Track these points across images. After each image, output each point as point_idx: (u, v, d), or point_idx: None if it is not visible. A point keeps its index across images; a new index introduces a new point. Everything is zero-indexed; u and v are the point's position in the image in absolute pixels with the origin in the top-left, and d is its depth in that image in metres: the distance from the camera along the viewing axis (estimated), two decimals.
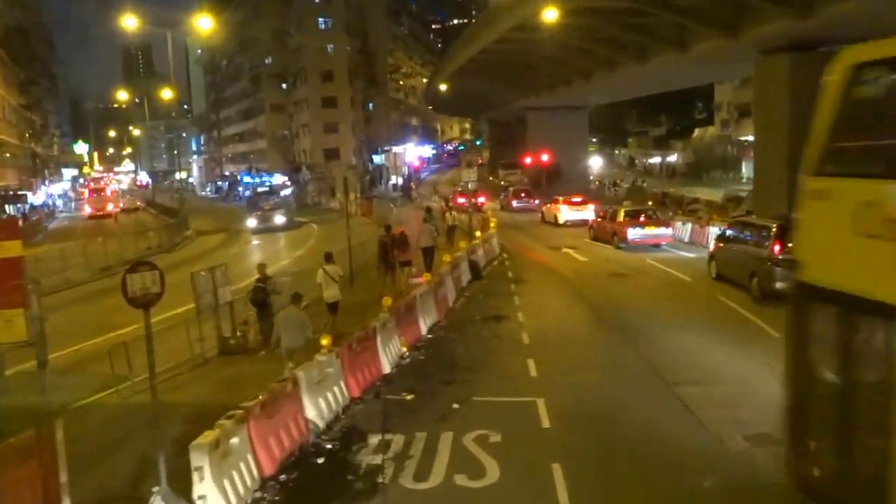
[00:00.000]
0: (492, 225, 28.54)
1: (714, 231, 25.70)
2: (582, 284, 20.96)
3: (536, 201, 43.87)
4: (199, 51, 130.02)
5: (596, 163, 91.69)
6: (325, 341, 11.00)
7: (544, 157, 54.35)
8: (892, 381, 5.65)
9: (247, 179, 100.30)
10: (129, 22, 41.89)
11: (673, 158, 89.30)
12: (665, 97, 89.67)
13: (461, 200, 44.98)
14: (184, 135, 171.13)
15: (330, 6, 78.82)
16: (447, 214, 32.07)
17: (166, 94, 72.56)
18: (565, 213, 36.52)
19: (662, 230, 27.99)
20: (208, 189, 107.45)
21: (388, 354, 13.04)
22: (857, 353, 6.21)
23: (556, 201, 37.84)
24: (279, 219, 43.24)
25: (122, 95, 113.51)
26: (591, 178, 65.87)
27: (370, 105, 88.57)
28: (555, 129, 56.11)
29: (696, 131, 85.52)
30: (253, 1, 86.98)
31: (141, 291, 7.59)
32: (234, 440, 8.33)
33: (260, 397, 9.03)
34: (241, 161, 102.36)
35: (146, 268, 7.69)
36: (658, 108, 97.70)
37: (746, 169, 67.12)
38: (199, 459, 7.63)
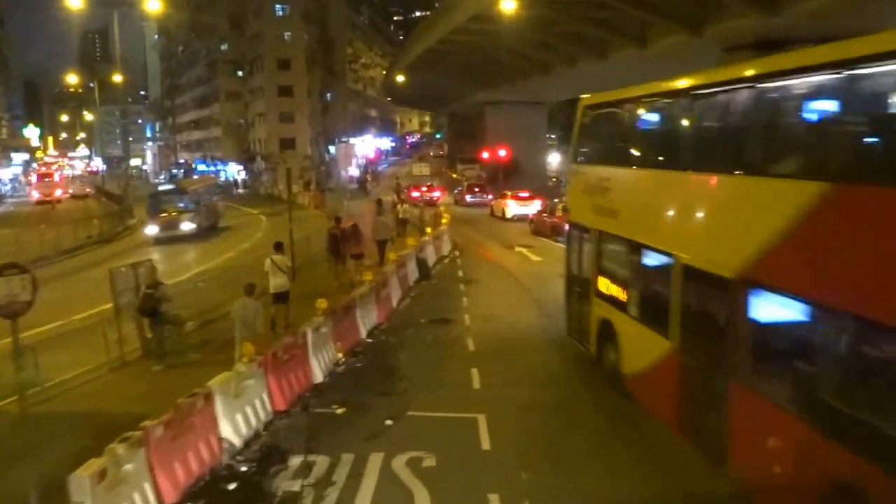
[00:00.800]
0: (443, 221, 27.52)
1: None
2: (533, 285, 20.04)
3: (490, 196, 43.22)
4: (156, 36, 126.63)
5: (555, 159, 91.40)
6: (245, 350, 9.87)
7: (502, 153, 53.52)
8: (591, 267, 11.90)
9: (201, 167, 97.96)
10: (75, 1, 39.92)
11: None
12: None
13: (415, 194, 44.10)
14: (139, 121, 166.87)
15: None
16: (398, 207, 31.21)
17: (117, 78, 69.75)
18: (512, 207, 36.81)
19: None
20: (163, 177, 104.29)
21: (321, 361, 11.96)
22: (583, 254, 12.46)
23: (505, 196, 37.73)
24: (186, 225, 33.69)
25: (73, 79, 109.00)
26: (550, 174, 65.34)
27: (328, 95, 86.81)
28: (513, 124, 55.32)
29: None
30: None
31: (7, 299, 6.36)
32: (128, 466, 7.22)
33: (164, 417, 7.92)
34: (196, 149, 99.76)
35: (15, 271, 6.46)
36: None
37: None
38: (81, 494, 6.53)
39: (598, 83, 44.14)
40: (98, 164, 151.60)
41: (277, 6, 77.36)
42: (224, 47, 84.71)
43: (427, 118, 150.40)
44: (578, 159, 13.09)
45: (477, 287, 19.97)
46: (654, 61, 30.77)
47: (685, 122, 9.48)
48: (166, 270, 22.88)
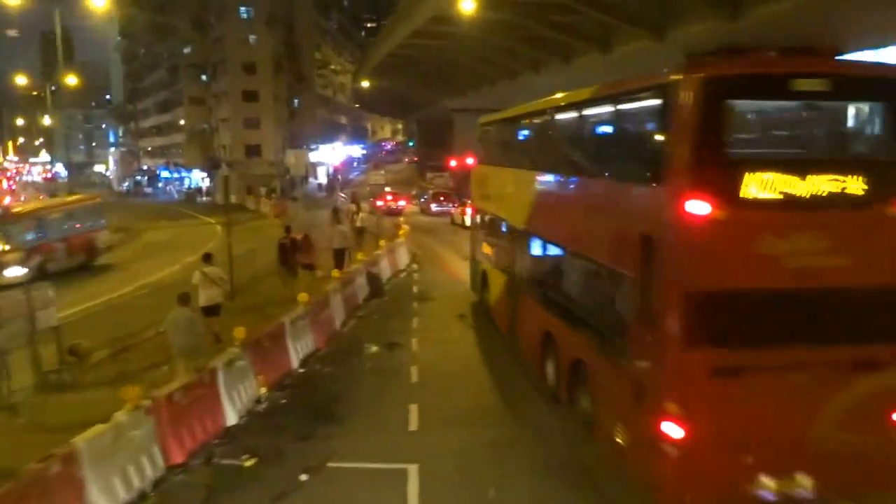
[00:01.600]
0: (401, 233, 26.04)
1: None
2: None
3: (455, 205, 41.88)
4: (119, 38, 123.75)
5: None
6: (130, 394, 8.33)
7: (469, 161, 52.24)
8: (478, 237, 17.67)
9: (164, 174, 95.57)
10: None
11: None
12: None
13: (380, 203, 42.66)
14: (104, 126, 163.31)
15: None
16: (355, 216, 29.72)
17: (71, 80, 67.48)
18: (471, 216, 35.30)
19: None
20: (126, 184, 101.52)
21: (237, 400, 10.45)
22: (476, 230, 18.07)
23: (465, 204, 36.31)
24: (12, 272, 22.13)
25: (22, 80, 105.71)
26: None
27: (295, 101, 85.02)
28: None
29: None
30: None
31: None
32: None
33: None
34: (159, 155, 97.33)
35: None
36: None
37: None
38: None
39: (561, 88, 43.30)
40: (59, 169, 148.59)
41: (242, 9, 75.52)
42: (187, 50, 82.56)
43: (400, 126, 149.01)
44: (479, 161, 18.34)
45: (431, 305, 18.56)
46: (618, 67, 29.79)
47: (513, 135, 14.92)
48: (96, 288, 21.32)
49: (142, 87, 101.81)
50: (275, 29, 77.08)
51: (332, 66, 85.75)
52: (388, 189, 45.50)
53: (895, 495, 7.32)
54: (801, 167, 6.88)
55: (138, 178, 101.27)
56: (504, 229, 14.41)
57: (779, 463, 7.04)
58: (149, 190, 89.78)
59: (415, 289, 20.73)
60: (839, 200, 6.86)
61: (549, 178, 11.70)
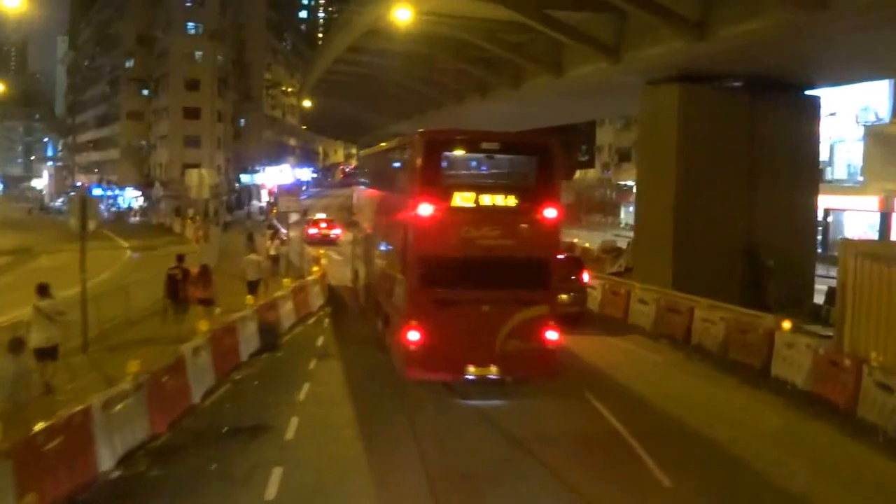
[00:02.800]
0: (314, 269, 22.35)
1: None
2: None
3: None
4: (66, 49, 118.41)
5: None
6: None
7: None
8: (354, 242, 23.53)
9: (96, 192, 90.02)
10: None
11: None
12: (552, 136, 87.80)
13: (312, 231, 38.95)
14: (45, 139, 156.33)
15: (202, 10, 71.20)
16: (269, 243, 26.27)
17: None
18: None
19: None
20: (60, 200, 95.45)
21: None
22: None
23: None
24: None
25: None
26: None
27: (241, 120, 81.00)
28: None
29: (578, 173, 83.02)
30: None
31: None
32: None
33: None
34: (95, 171, 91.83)
35: None
36: None
37: (625, 214, 64.47)
38: None
39: (512, 115, 40.43)
40: None
41: (190, 23, 71.64)
42: (129, 64, 78.09)
43: (354, 150, 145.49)
44: (363, 185, 22.29)
45: (333, 366, 14.95)
46: (572, 94, 26.97)
47: (368, 166, 21.67)
48: None
49: (82, 100, 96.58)
50: (223, 45, 73.31)
51: (283, 87, 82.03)
52: (321, 216, 41.66)
53: (550, 379, 12.58)
54: (484, 189, 12.25)
55: (72, 193, 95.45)
56: (365, 237, 19.56)
57: (478, 358, 12.01)
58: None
59: (320, 340, 17.08)
60: (503, 208, 12.16)
61: (378, 193, 17.62)
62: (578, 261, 20.91)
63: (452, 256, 11.92)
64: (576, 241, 37.65)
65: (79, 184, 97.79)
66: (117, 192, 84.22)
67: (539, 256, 12.19)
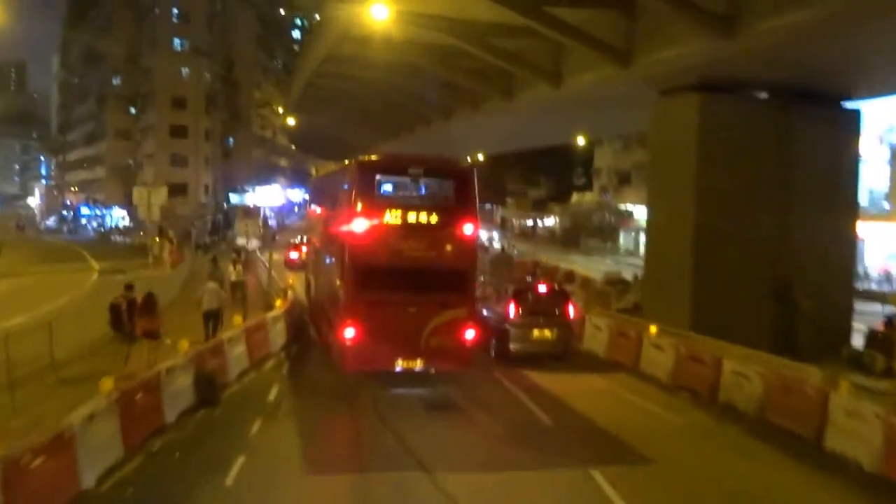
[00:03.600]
0: (277, 303, 19.22)
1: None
2: (391, 413, 12.54)
3: None
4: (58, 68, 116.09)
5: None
6: None
7: None
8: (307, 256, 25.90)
9: (84, 211, 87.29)
10: None
11: (550, 222, 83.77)
12: (547, 158, 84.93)
13: (293, 256, 35.95)
14: (41, 158, 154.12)
15: (188, 27, 68.73)
16: (231, 268, 23.34)
17: None
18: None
19: None
20: (52, 219, 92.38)
21: None
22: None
23: None
24: None
25: None
26: None
27: (230, 139, 78.31)
28: None
29: (575, 196, 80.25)
30: (106, 12, 75.68)
31: None
32: None
33: None
34: (83, 189, 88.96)
35: None
36: (539, 169, 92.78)
37: (625, 240, 61.62)
38: None
39: (505, 133, 37.50)
40: None
41: (176, 40, 69.17)
42: (117, 81, 75.50)
43: None
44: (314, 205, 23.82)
45: (282, 427, 11.89)
46: (572, 105, 24.19)
47: (317, 187, 23.49)
48: None
49: (72, 119, 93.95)
50: (211, 63, 70.83)
51: (274, 106, 79.40)
52: (300, 240, 38.55)
53: (467, 371, 14.29)
54: (410, 207, 13.62)
55: (64, 213, 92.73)
56: (314, 251, 20.59)
57: (406, 353, 13.53)
58: (72, 227, 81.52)
59: (273, 392, 13.97)
60: (427, 224, 13.56)
61: (325, 212, 18.71)
62: (563, 293, 18.17)
63: (383, 265, 13.45)
64: (575, 269, 34.68)
65: (69, 202, 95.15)
66: (104, 211, 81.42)
67: (458, 266, 13.72)
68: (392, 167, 14.51)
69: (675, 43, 16.44)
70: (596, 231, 67.44)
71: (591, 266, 44.86)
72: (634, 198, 56.63)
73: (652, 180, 20.35)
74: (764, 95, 18.09)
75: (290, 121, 51.07)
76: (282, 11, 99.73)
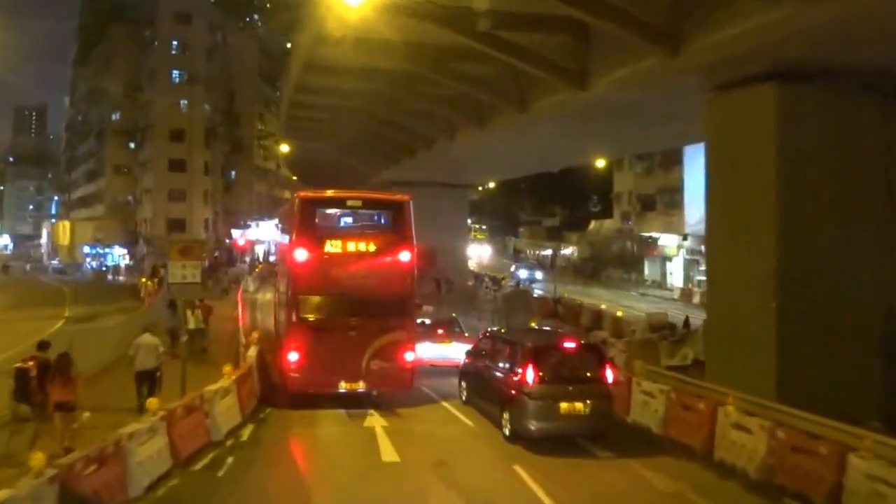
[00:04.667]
0: (225, 370, 14.42)
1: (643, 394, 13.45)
2: None
3: None
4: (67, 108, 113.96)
5: (485, 252, 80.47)
6: None
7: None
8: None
9: (86, 249, 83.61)
10: None
11: (567, 252, 79.19)
12: (561, 186, 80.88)
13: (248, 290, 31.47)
14: (56, 197, 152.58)
15: (186, 58, 65.56)
16: (189, 313, 19.17)
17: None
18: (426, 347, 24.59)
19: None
20: (56, 261, 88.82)
21: None
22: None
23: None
24: None
25: None
26: (472, 270, 53.93)
27: (232, 173, 74.68)
28: (426, 210, 43.92)
29: (592, 223, 75.73)
30: (106, 48, 72.95)
31: None
32: None
33: None
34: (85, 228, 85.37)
35: None
36: (553, 198, 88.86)
37: (650, 269, 56.83)
38: None
39: (513, 156, 32.59)
40: (7, 241, 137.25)
41: (175, 72, 66.00)
42: (116, 116, 72.38)
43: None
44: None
45: None
46: (596, 114, 19.81)
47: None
48: None
49: (76, 157, 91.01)
50: (210, 94, 67.53)
51: (276, 138, 75.91)
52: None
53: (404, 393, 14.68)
54: (350, 237, 14.62)
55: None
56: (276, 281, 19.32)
57: (348, 375, 14.21)
58: (77, 266, 77.98)
59: None
60: (365, 252, 14.46)
61: (280, 244, 21.48)
62: (597, 350, 13.71)
63: (324, 292, 14.53)
64: (603, 307, 29.91)
65: None
66: (107, 249, 77.80)
67: (396, 291, 14.50)
68: (332, 201, 15.69)
69: (742, 16, 12.06)
70: (617, 260, 62.70)
71: (617, 301, 40.16)
72: (659, 225, 52.01)
73: (713, 200, 15.39)
74: (861, 84, 13.56)
75: (284, 147, 47.13)
76: (288, 45, 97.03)
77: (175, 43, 64.63)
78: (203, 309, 21.23)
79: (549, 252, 78.65)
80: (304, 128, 37.84)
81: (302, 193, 15.69)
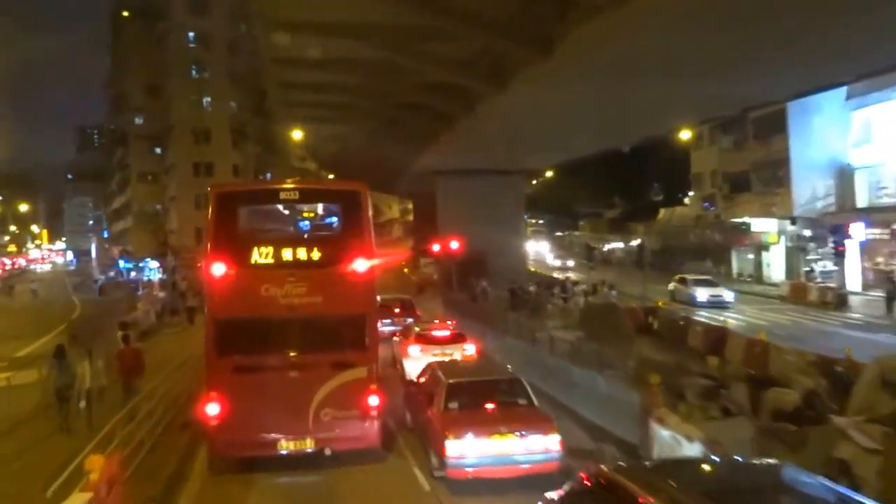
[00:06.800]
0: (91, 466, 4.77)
1: None
2: None
3: (412, 321, 22.58)
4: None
5: (543, 248, 71.52)
6: None
7: (454, 245, 33.17)
8: None
9: (121, 264, 77.99)
10: None
11: (632, 244, 69.57)
12: (621, 174, 71.89)
13: None
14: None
15: (207, 52, 58.63)
16: (86, 364, 13.45)
17: None
18: (415, 360, 16.28)
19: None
20: (101, 276, 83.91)
21: None
22: None
23: (408, 335, 17.35)
24: None
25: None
26: (531, 271, 45.07)
27: (268, 175, 67.65)
28: (473, 201, 35.52)
29: (662, 212, 65.97)
30: (123, 47, 67.01)
31: None
32: None
33: None
34: (118, 241, 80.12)
35: None
36: (613, 188, 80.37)
37: (739, 262, 47.00)
38: None
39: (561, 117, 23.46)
40: (69, 257, 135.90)
41: (194, 68, 59.22)
42: (139, 120, 66.23)
43: (411, 205, 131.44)
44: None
45: None
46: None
47: None
48: None
49: (112, 167, 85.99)
50: (240, 91, 60.62)
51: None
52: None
53: (367, 449, 10.53)
54: (285, 243, 10.82)
55: (120, 265, 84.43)
56: None
57: (291, 431, 10.28)
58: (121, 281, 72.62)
59: None
60: (308, 262, 10.61)
61: None
62: None
63: (252, 318, 10.46)
64: (731, 323, 20.65)
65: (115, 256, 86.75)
66: (141, 263, 71.91)
67: (352, 313, 10.74)
68: (260, 194, 12.40)
69: None
70: (694, 252, 52.82)
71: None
72: (755, 208, 42.13)
73: None
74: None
75: (297, 133, 39.47)
76: None
77: (192, 35, 57.64)
78: (122, 357, 13.54)
79: (614, 245, 69.11)
80: (316, 116, 30.40)
81: (217, 186, 12.76)
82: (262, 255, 10.58)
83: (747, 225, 43.45)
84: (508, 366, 13.25)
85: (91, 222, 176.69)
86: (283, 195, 11.37)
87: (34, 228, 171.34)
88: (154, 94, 62.93)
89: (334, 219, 11.78)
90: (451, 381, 10.58)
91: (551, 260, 67.03)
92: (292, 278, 10.49)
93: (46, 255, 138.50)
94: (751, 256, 45.25)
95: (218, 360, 10.40)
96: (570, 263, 49.53)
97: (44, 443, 11.83)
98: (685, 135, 36.53)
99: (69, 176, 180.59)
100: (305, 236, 11.60)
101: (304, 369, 10.46)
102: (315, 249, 10.78)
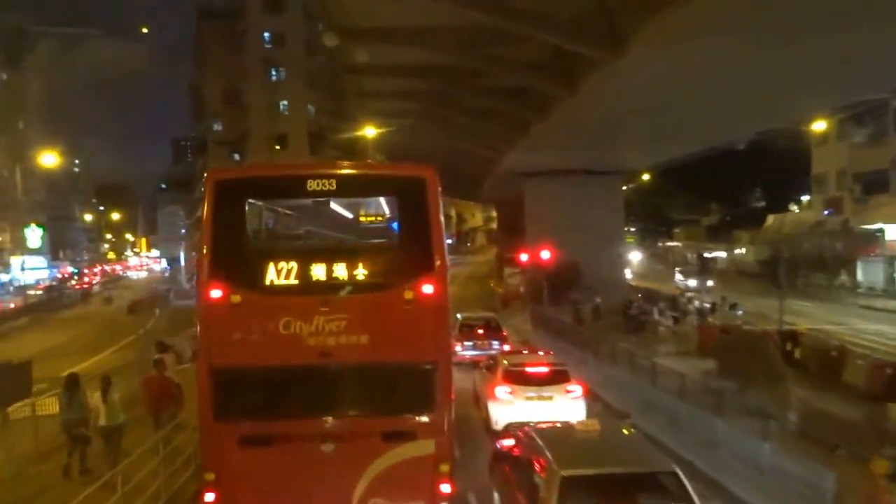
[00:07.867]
0: None
1: None
2: None
3: (505, 346, 18.80)
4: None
5: (635, 258, 66.22)
6: None
7: (545, 254, 29.11)
8: None
9: None
10: None
11: (736, 253, 63.50)
12: (715, 182, 66.81)
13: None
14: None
15: (283, 51, 57.18)
16: (99, 398, 10.61)
17: None
18: (504, 405, 12.46)
19: None
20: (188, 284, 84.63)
21: None
22: None
23: (494, 370, 13.29)
24: None
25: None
26: (632, 284, 40.23)
27: None
28: (565, 204, 31.45)
29: (771, 218, 59.71)
30: (200, 53, 66.65)
31: None
32: None
33: None
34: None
35: None
36: (710, 194, 74.89)
37: (865, 273, 40.71)
38: None
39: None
40: (164, 264, 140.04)
41: (273, 71, 57.86)
42: (218, 127, 65.61)
43: (494, 213, 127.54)
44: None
45: None
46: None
47: None
48: None
49: (196, 173, 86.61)
50: (317, 93, 58.94)
51: None
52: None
53: None
54: (316, 256, 7.32)
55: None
56: None
57: None
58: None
59: None
60: (350, 283, 7.10)
61: None
62: None
63: (267, 368, 7.09)
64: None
65: None
66: None
67: (415, 360, 7.14)
68: (276, 186, 7.83)
69: None
70: (813, 262, 46.57)
71: (837, 320, 26.17)
72: (893, 212, 36.20)
73: None
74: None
75: (370, 131, 36.44)
76: None
77: (267, 35, 56.25)
78: (147, 386, 11.59)
79: (715, 255, 63.07)
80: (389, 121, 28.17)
81: (217, 171, 9.53)
82: (281, 275, 7.12)
83: (882, 231, 37.39)
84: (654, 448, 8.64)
85: (183, 231, 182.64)
86: (312, 185, 7.38)
87: (128, 237, 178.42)
88: (231, 100, 62.12)
89: (388, 219, 8.28)
90: (565, 472, 6.58)
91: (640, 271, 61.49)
92: (326, 308, 7.05)
93: (145, 262, 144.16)
94: (883, 267, 39.05)
95: (217, 426, 7.08)
96: (681, 278, 43.64)
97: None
98: (819, 125, 31.11)
99: (162, 186, 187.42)
100: (346, 245, 8.24)
101: (344, 442, 7.13)
102: (360, 265, 7.24)
